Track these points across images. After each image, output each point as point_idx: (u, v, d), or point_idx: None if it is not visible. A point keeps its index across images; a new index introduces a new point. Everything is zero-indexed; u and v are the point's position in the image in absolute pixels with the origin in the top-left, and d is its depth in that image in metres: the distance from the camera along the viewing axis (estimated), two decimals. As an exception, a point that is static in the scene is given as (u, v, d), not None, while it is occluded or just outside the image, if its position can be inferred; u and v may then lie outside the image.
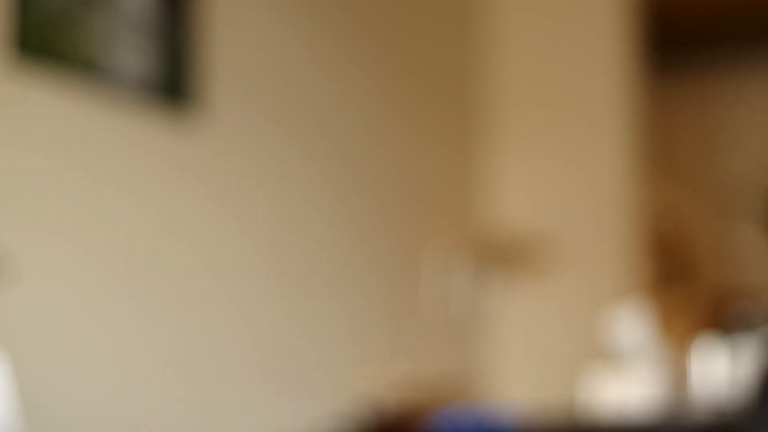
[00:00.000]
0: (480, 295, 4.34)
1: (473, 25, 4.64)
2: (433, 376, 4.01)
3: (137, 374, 3.09)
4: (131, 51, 3.08)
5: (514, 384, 4.42)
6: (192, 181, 3.32)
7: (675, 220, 6.03)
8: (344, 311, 3.87)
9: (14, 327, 2.73)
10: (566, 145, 4.58)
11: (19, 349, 2.64)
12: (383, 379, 3.74)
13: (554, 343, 4.44)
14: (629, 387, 3.10)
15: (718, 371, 3.16)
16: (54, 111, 2.90)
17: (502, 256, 4.37)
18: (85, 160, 2.99)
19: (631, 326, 3.25)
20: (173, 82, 3.20)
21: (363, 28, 4.09)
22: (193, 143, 3.30)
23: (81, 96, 2.95)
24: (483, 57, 4.63)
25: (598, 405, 3.13)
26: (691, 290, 5.79)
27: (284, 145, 3.67)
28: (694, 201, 6.26)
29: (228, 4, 3.43)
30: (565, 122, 4.59)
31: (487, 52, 4.63)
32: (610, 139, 4.51)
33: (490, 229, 4.49)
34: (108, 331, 3.01)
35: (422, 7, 4.46)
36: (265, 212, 3.58)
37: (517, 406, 3.47)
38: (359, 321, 3.93)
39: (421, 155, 4.31)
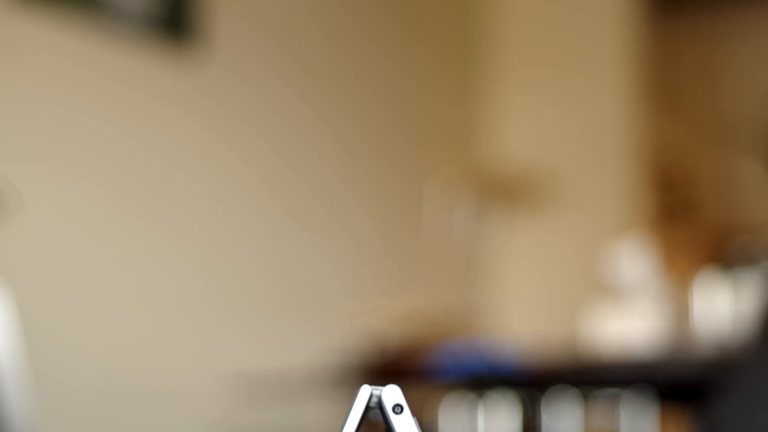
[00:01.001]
0: (482, 230, 4.34)
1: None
2: (436, 310, 4.02)
3: (140, 305, 3.10)
4: (132, -16, 3.06)
5: (516, 318, 4.44)
6: (193, 114, 3.31)
7: (677, 156, 6.02)
8: (347, 246, 3.87)
9: (16, 259, 2.73)
10: (569, 80, 4.56)
11: (22, 281, 2.65)
12: (386, 314, 3.75)
13: (556, 278, 4.45)
14: (631, 322, 3.10)
15: (719, 306, 3.17)
16: (55, 46, 2.89)
17: (504, 191, 4.37)
18: (86, 94, 2.98)
19: (633, 261, 3.25)
20: (175, 17, 3.18)
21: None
22: (195, 77, 3.29)
23: (82, 31, 2.94)
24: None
25: (600, 340, 3.14)
26: (693, 225, 5.79)
27: (286, 79, 3.65)
28: (696, 136, 6.25)
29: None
30: (567, 58, 4.57)
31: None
32: (612, 74, 4.49)
33: (493, 164, 4.48)
34: (111, 264, 3.02)
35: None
36: (267, 147, 3.57)
37: (519, 340, 3.48)
38: (362, 256, 3.93)
39: (425, 90, 4.30)
